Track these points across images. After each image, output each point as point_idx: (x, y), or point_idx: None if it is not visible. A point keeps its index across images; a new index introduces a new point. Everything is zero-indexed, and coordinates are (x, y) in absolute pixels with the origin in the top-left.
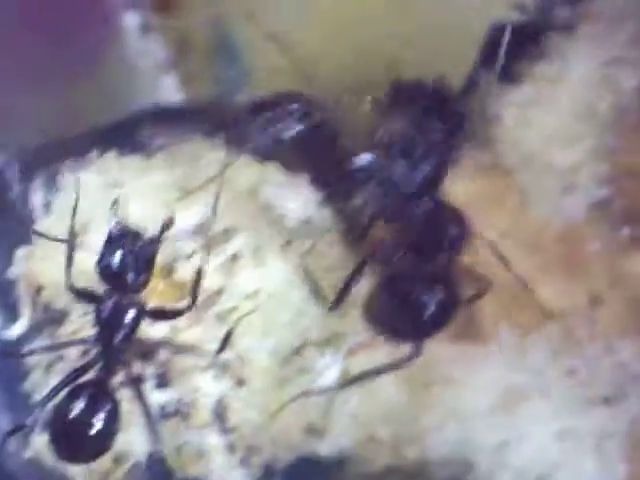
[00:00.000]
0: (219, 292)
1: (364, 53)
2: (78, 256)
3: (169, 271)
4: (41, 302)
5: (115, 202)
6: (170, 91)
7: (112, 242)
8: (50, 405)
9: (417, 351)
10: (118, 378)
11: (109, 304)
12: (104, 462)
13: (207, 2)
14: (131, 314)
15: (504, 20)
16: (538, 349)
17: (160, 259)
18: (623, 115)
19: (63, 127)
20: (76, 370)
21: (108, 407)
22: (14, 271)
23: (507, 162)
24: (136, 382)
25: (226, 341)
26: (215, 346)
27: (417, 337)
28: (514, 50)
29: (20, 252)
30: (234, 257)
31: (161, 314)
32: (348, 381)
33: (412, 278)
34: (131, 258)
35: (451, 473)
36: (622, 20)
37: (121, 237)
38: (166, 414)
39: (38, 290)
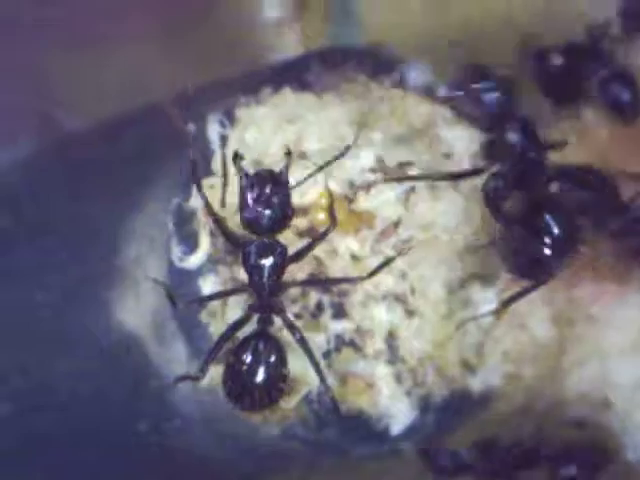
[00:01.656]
0: (397, 223)
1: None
2: None
3: (349, 201)
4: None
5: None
6: (289, 46)
7: (247, 188)
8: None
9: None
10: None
11: (252, 248)
12: None
13: None
14: (274, 257)
15: None
16: None
17: (339, 189)
18: None
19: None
20: (235, 323)
21: (274, 357)
22: (193, 202)
23: None
24: (294, 327)
25: (382, 267)
26: (390, 277)
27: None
28: None
29: None
30: (411, 189)
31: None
32: (502, 304)
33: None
34: (265, 199)
35: (587, 412)
36: None
37: (254, 181)
38: (340, 344)
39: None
